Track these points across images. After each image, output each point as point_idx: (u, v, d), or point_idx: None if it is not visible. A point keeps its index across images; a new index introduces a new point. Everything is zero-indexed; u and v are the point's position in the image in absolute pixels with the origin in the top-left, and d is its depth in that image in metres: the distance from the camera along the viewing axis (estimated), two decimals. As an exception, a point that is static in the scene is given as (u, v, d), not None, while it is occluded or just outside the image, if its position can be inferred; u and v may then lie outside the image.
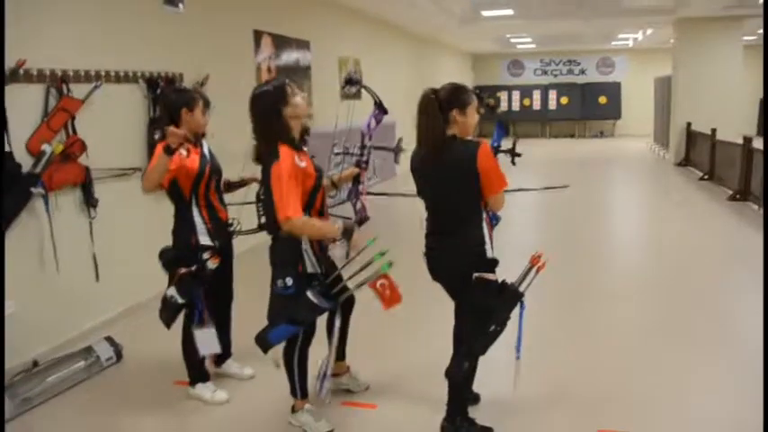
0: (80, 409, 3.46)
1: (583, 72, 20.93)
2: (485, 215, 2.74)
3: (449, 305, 2.96)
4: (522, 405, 3.26)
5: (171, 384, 3.61)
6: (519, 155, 3.20)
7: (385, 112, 3.30)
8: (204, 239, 3.23)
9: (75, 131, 4.24)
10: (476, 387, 3.21)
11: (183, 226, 3.24)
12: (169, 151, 2.97)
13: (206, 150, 3.33)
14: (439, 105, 2.71)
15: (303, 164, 2.85)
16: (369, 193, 3.41)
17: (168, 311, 3.25)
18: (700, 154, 11.80)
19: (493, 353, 2.83)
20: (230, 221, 3.42)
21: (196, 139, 3.31)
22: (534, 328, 4.26)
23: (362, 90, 3.39)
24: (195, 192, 3.24)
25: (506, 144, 3.26)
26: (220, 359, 3.69)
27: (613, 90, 20.21)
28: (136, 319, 4.57)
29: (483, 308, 2.71)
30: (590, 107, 20.29)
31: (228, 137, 4.41)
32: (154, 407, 3.44)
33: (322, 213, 2.98)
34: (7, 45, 3.76)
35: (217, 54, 5.99)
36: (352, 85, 3.42)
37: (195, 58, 5.61)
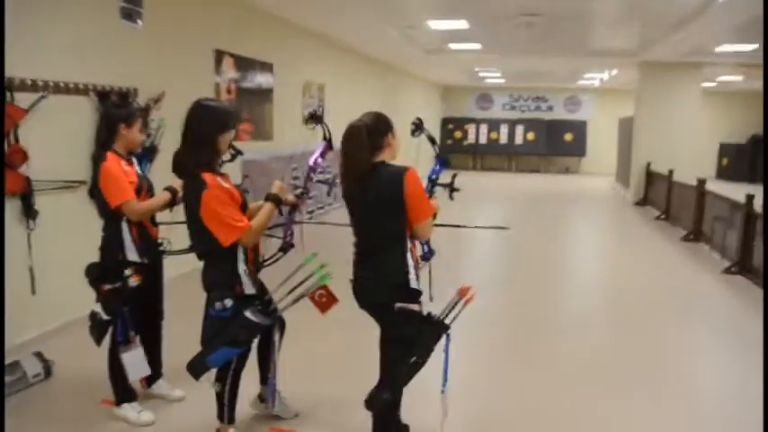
0: (-1, 426, 3.33)
1: (550, 109, 21.34)
2: (410, 245, 2.72)
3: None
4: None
5: (97, 403, 3.51)
6: (457, 190, 3.21)
7: (331, 148, 3.34)
8: (132, 256, 3.18)
9: (17, 140, 4.16)
10: (406, 418, 3.20)
11: (111, 242, 3.20)
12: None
13: (137, 167, 3.31)
14: (370, 132, 2.70)
15: (226, 185, 2.85)
16: (309, 222, 3.44)
17: (96, 328, 3.19)
18: (657, 194, 12.06)
19: (426, 383, 2.81)
20: (160, 240, 3.38)
21: (131, 155, 3.30)
22: (475, 362, 4.31)
23: (323, 114, 3.43)
24: None
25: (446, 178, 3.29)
26: (150, 380, 3.60)
27: (579, 128, 20.64)
28: (71, 335, 4.43)
29: (405, 338, 2.69)
30: (555, 143, 20.68)
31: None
32: (77, 426, 3.34)
33: None
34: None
35: (175, 71, 5.97)
36: (314, 120, 3.45)
37: (152, 74, 5.57)
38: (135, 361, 3.21)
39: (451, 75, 17.80)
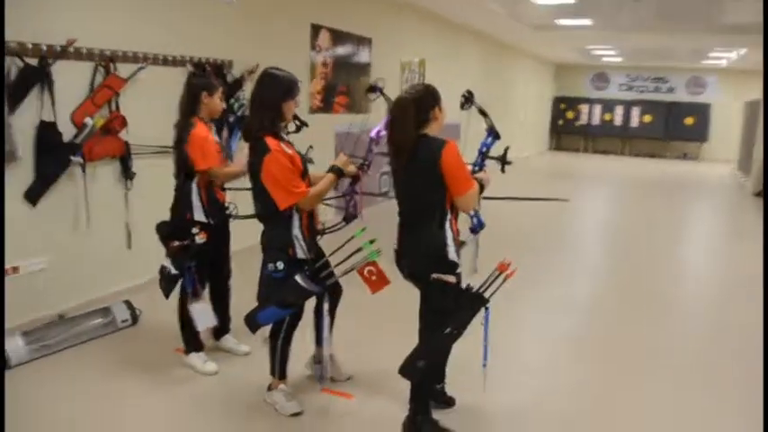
0: (86, 362, 3.75)
1: (671, 90, 20.04)
2: (451, 216, 2.75)
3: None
4: (495, 414, 3.26)
5: (171, 351, 3.83)
6: (509, 163, 3.18)
7: None
8: (200, 216, 3.43)
9: (117, 108, 4.54)
10: (452, 391, 3.26)
11: (181, 201, 3.46)
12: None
13: (215, 134, 3.54)
14: (417, 106, 2.73)
15: (289, 151, 2.98)
16: (365, 193, 3.53)
17: (165, 282, 3.49)
18: (780, 185, 11.12)
19: (474, 358, 2.88)
20: (227, 205, 3.59)
21: (212, 121, 3.54)
22: (549, 344, 4.28)
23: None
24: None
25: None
26: (219, 333, 3.88)
27: (702, 111, 19.27)
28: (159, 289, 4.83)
29: (441, 309, 2.73)
30: (674, 127, 19.45)
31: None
32: (152, 369, 3.67)
33: None
34: (60, 24, 4.10)
35: (271, 44, 6.21)
36: (373, 92, 3.53)
37: (247, 46, 5.84)
38: (202, 312, 3.49)
39: (563, 52, 17.16)
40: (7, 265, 3.93)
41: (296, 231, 3.02)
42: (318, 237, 3.21)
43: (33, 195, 4.08)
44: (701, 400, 3.61)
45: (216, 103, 3.55)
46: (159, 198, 4.92)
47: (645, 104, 19.91)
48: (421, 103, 2.75)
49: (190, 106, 3.51)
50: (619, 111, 20.06)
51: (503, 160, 3.15)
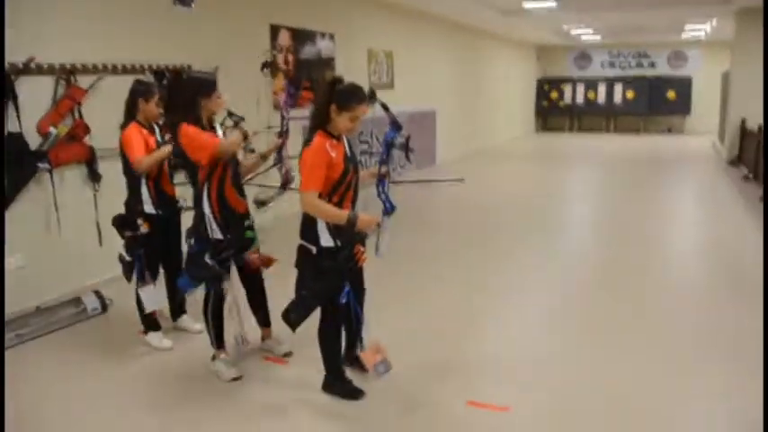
0: (59, 347, 4.19)
1: (653, 65, 20.28)
2: (332, 197, 3.09)
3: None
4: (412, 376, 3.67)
5: (135, 334, 4.25)
6: (412, 150, 3.46)
7: (297, 88, 3.76)
8: (149, 208, 3.86)
9: (80, 116, 4.95)
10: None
11: (133, 195, 3.88)
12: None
13: (158, 136, 3.94)
14: (337, 93, 3.02)
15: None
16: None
17: (124, 268, 3.92)
18: (750, 152, 11.42)
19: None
20: (177, 198, 4.00)
21: (151, 125, 3.94)
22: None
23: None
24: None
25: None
26: (175, 314, 4.31)
27: (683, 85, 19.51)
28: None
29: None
30: (657, 102, 19.69)
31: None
32: (117, 349, 4.09)
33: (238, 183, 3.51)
34: (21, 42, 4.50)
35: (230, 47, 6.59)
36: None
37: (207, 50, 6.21)
38: (149, 296, 3.93)
39: (540, 34, 17.41)
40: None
41: (207, 211, 3.40)
42: (261, 208, 3.65)
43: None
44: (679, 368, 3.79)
45: (152, 108, 3.91)
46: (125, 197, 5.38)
47: (627, 81, 20.15)
48: (338, 92, 3.02)
49: (130, 110, 3.91)
50: (601, 88, 20.32)
51: (406, 149, 3.41)
